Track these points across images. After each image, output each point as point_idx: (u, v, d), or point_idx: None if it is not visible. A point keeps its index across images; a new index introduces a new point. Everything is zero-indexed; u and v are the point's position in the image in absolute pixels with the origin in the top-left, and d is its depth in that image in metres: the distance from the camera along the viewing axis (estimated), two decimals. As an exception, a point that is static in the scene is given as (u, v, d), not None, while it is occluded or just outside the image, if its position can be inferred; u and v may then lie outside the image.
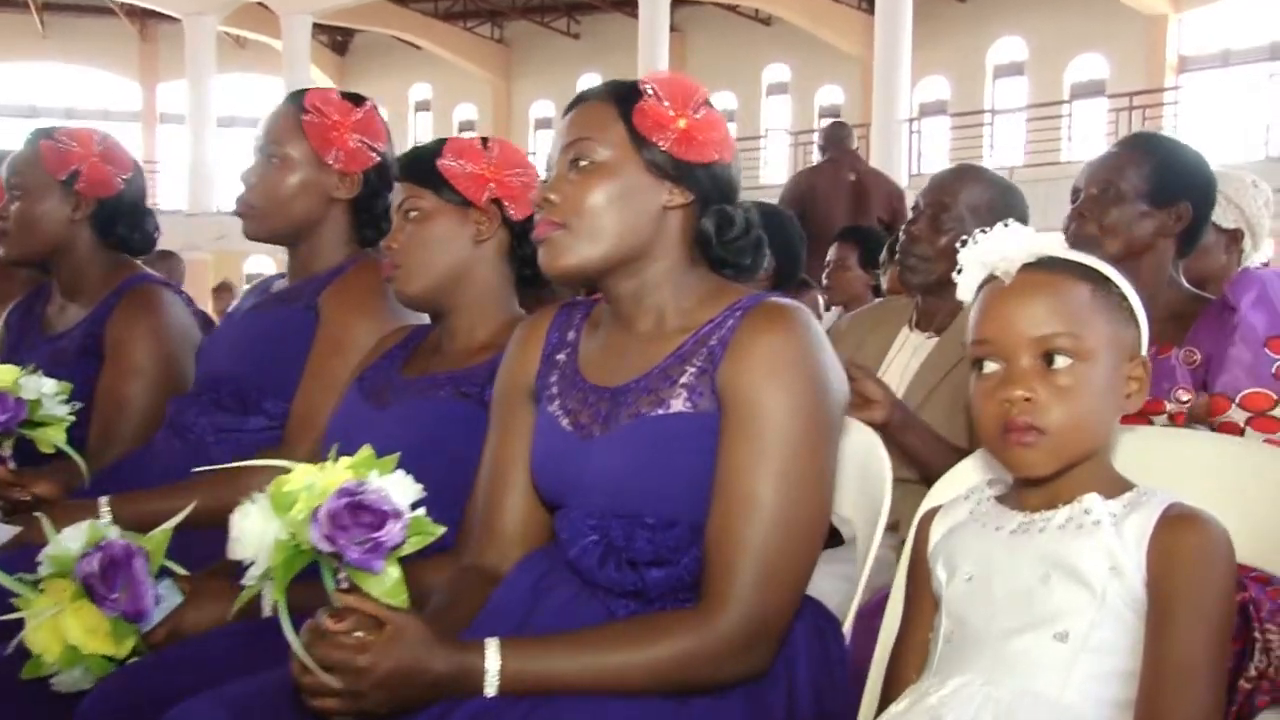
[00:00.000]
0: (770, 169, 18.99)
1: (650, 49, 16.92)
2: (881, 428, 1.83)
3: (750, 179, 17.86)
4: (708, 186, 1.32)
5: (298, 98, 1.89)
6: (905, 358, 2.12)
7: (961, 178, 2.12)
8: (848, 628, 1.32)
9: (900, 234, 2.15)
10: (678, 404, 1.26)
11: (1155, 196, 1.82)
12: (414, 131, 23.94)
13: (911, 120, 16.05)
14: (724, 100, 20.70)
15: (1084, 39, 17.03)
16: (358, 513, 1.08)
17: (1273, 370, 1.69)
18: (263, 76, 21.77)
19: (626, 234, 1.30)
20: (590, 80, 21.68)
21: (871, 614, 1.41)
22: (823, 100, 19.74)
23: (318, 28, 20.68)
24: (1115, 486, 1.10)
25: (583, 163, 1.31)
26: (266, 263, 20.34)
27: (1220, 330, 1.74)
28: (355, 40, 24.10)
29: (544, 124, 22.50)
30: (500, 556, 1.39)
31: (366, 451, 1.13)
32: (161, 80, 22.96)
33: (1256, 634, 1.13)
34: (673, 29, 19.80)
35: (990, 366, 1.11)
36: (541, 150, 21.60)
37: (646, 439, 1.26)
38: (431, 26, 21.87)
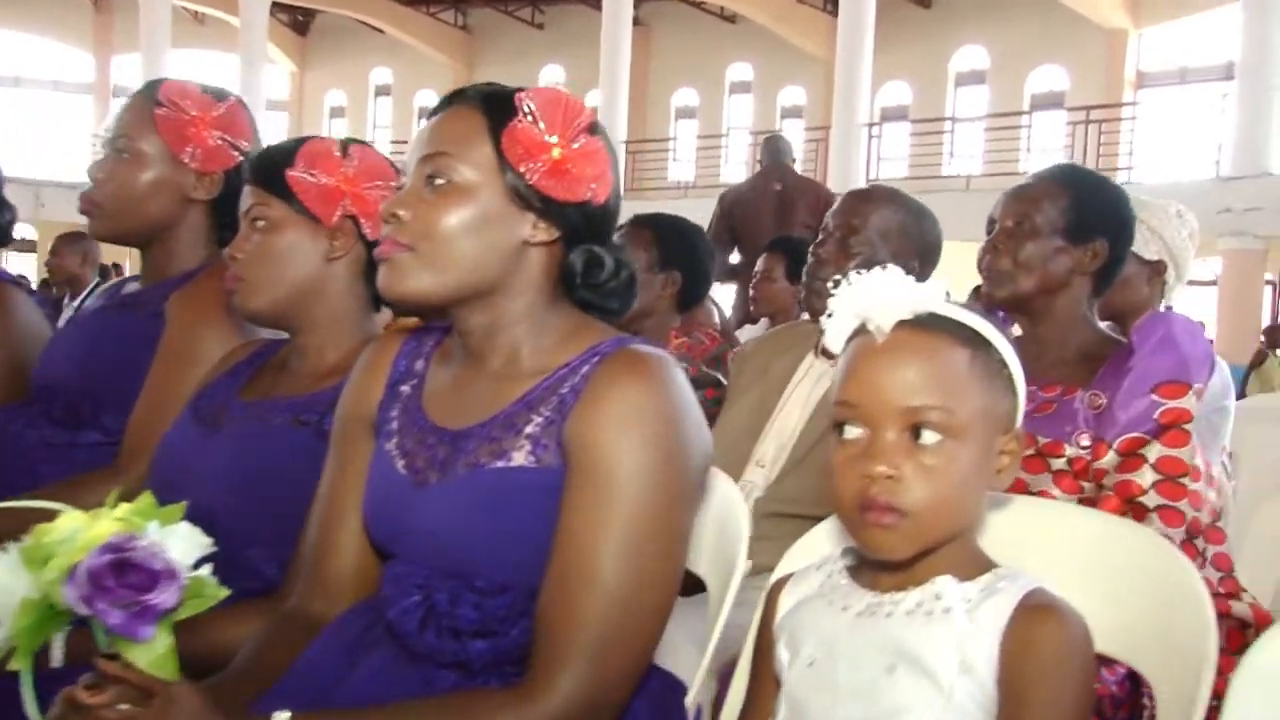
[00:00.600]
0: (731, 168, 18.89)
1: (613, 42, 16.80)
2: None
3: (711, 178, 17.77)
4: (577, 223, 1.20)
5: (152, 89, 1.74)
6: (808, 386, 2.02)
7: (872, 199, 2.01)
8: (695, 695, 1.20)
9: (809, 256, 2.05)
10: (520, 456, 1.14)
11: (1072, 232, 1.73)
12: (374, 115, 23.67)
13: (872, 125, 16.02)
14: (687, 97, 20.64)
15: (1045, 50, 17.08)
16: (124, 571, 0.95)
17: (1156, 415, 1.61)
18: (221, 54, 21.39)
19: (480, 266, 1.17)
20: (553, 72, 21.55)
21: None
22: (785, 101, 19.69)
23: (279, 6, 20.35)
24: (974, 567, 1.00)
25: (439, 181, 1.17)
26: (217, 243, 20.01)
27: (1122, 375, 1.65)
28: (316, 21, 23.75)
29: (505, 113, 22.25)
30: (328, 603, 1.26)
31: (146, 499, 1.00)
32: (116, 53, 22.52)
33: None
34: (638, 23, 19.71)
35: (853, 432, 1.00)
36: (502, 140, 21.46)
37: (483, 493, 1.14)
38: (394, 10, 21.59)
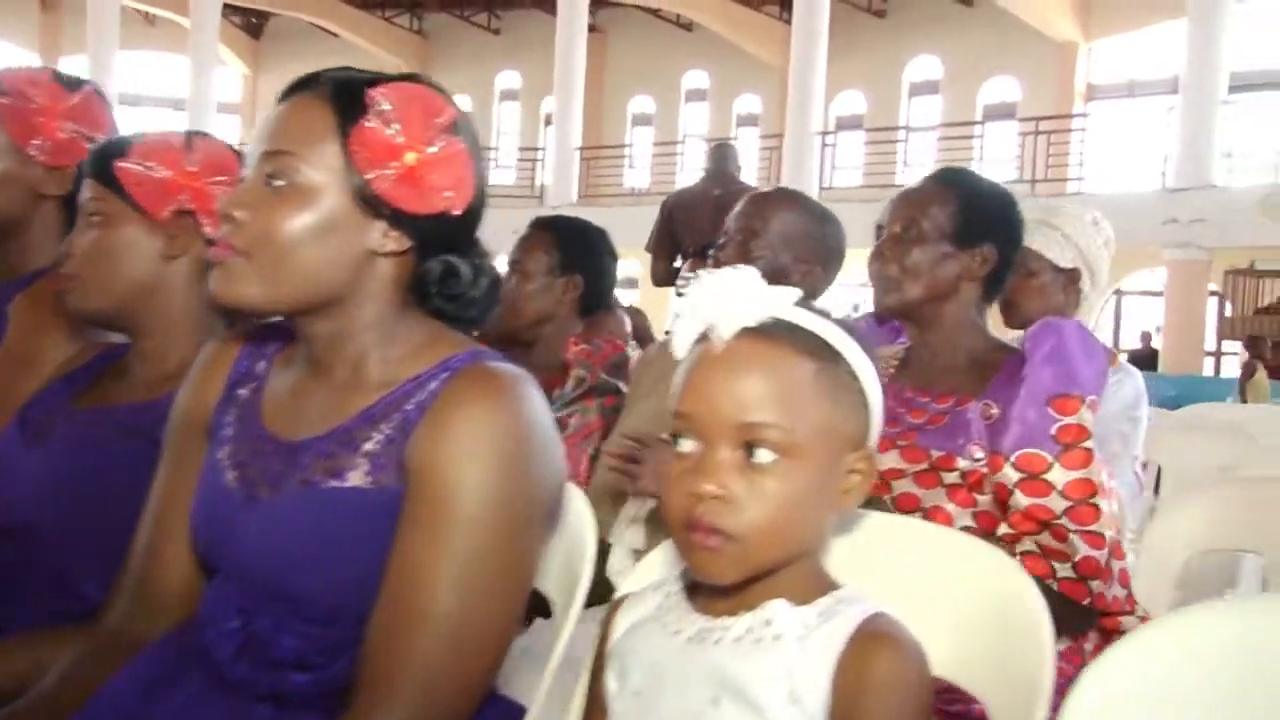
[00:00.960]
0: (687, 175, 18.83)
1: (567, 48, 16.75)
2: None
3: (666, 185, 17.69)
4: (430, 234, 1.10)
5: None
6: (705, 395, 1.95)
7: (773, 202, 1.95)
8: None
9: (708, 261, 1.98)
10: (356, 476, 1.05)
11: (959, 237, 1.67)
12: (327, 119, 23.42)
13: (825, 133, 16.07)
14: (643, 104, 20.61)
15: (997, 61, 17.22)
16: None
17: (1052, 431, 1.55)
18: (171, 55, 21.12)
19: (320, 277, 1.08)
20: (509, 78, 21.47)
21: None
22: (741, 109, 19.72)
23: (231, 8, 20.14)
24: (813, 589, 0.93)
25: (279, 182, 1.07)
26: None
27: (1015, 384, 1.59)
28: (270, 23, 23.52)
29: (460, 119, 22.11)
30: (150, 623, 1.17)
31: None
32: (64, 54, 22.14)
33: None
34: (594, 29, 19.67)
35: (687, 445, 0.93)
36: (457, 145, 21.35)
37: (314, 513, 1.05)
38: (349, 14, 21.41)
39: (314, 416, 1.11)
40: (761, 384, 0.90)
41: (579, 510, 1.19)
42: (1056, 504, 1.53)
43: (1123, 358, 2.59)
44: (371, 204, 1.08)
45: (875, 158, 17.22)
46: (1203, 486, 2.02)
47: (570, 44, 16.81)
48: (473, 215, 1.13)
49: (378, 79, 1.11)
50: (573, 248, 2.19)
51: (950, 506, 1.59)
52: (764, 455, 0.89)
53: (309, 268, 1.08)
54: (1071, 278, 2.41)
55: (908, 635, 0.88)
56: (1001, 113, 17.18)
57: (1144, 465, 2.47)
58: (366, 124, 1.08)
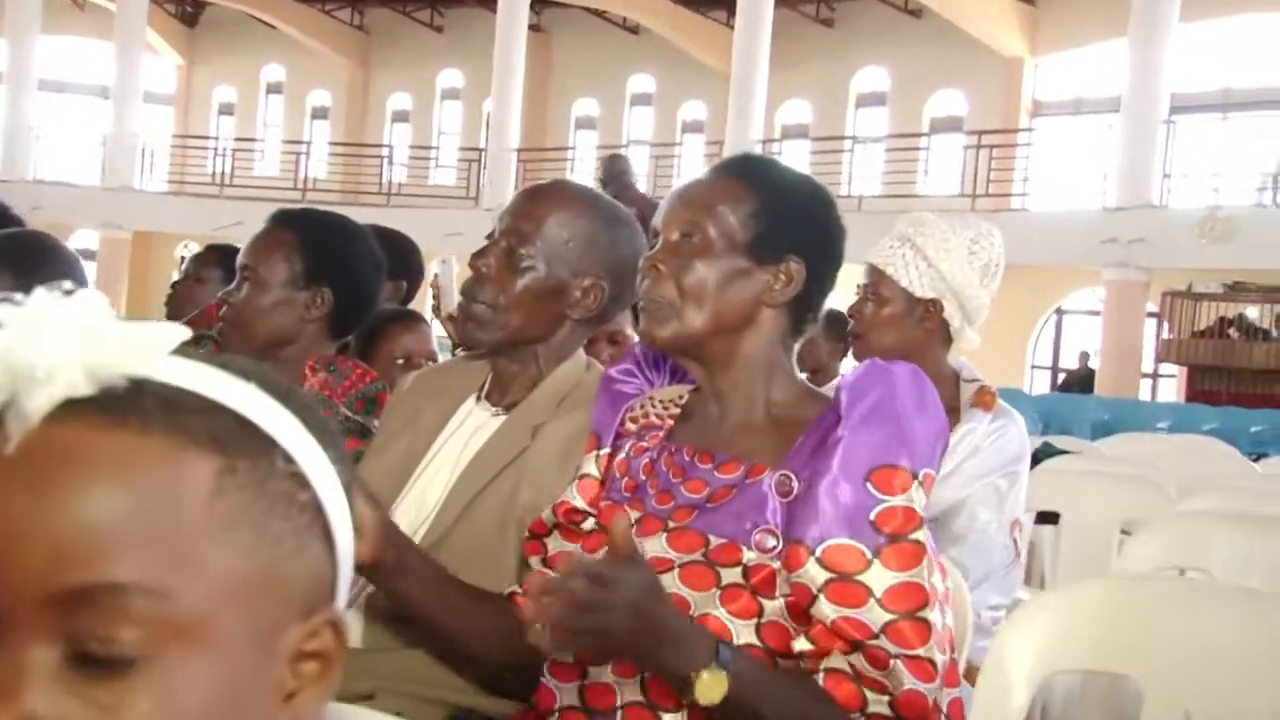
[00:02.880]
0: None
1: (506, 47, 16.35)
2: (370, 571, 1.27)
3: (609, 190, 17.28)
4: None
5: None
6: (463, 438, 1.55)
7: (550, 198, 1.54)
8: None
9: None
10: None
11: (756, 248, 1.28)
12: (264, 113, 22.83)
13: (768, 141, 15.79)
14: (587, 107, 20.22)
15: (945, 75, 17.01)
16: None
17: (872, 516, 1.15)
18: (98, 42, 20.41)
19: None
20: (451, 76, 20.98)
21: None
22: (686, 115, 19.39)
23: (165, -5, 19.53)
24: None
25: None
26: (90, 236, 19.08)
27: (826, 449, 1.20)
28: (206, 13, 22.84)
29: (401, 117, 21.64)
30: None
31: None
32: (-12, 36, 21.40)
33: None
34: (539, 30, 19.26)
35: None
36: (399, 144, 21.03)
37: None
38: (287, 6, 20.82)
39: None
40: (105, 508, 0.49)
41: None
42: (874, 617, 1.13)
43: (1026, 380, 2.19)
44: None
45: (821, 168, 16.90)
46: (1066, 585, 1.64)
47: (509, 43, 16.40)
48: None
49: None
50: (321, 253, 1.77)
51: (723, 615, 1.19)
52: (112, 652, 0.48)
53: None
54: (930, 309, 2.04)
55: None
56: (948, 126, 16.98)
57: (1019, 528, 2.09)
58: None
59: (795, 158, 17.42)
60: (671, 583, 1.21)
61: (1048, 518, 2.86)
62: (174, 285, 3.01)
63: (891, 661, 1.12)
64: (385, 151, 19.42)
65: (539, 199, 1.54)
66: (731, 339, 1.29)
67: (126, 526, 0.49)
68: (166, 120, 22.66)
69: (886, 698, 1.13)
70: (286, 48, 21.67)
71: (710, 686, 1.10)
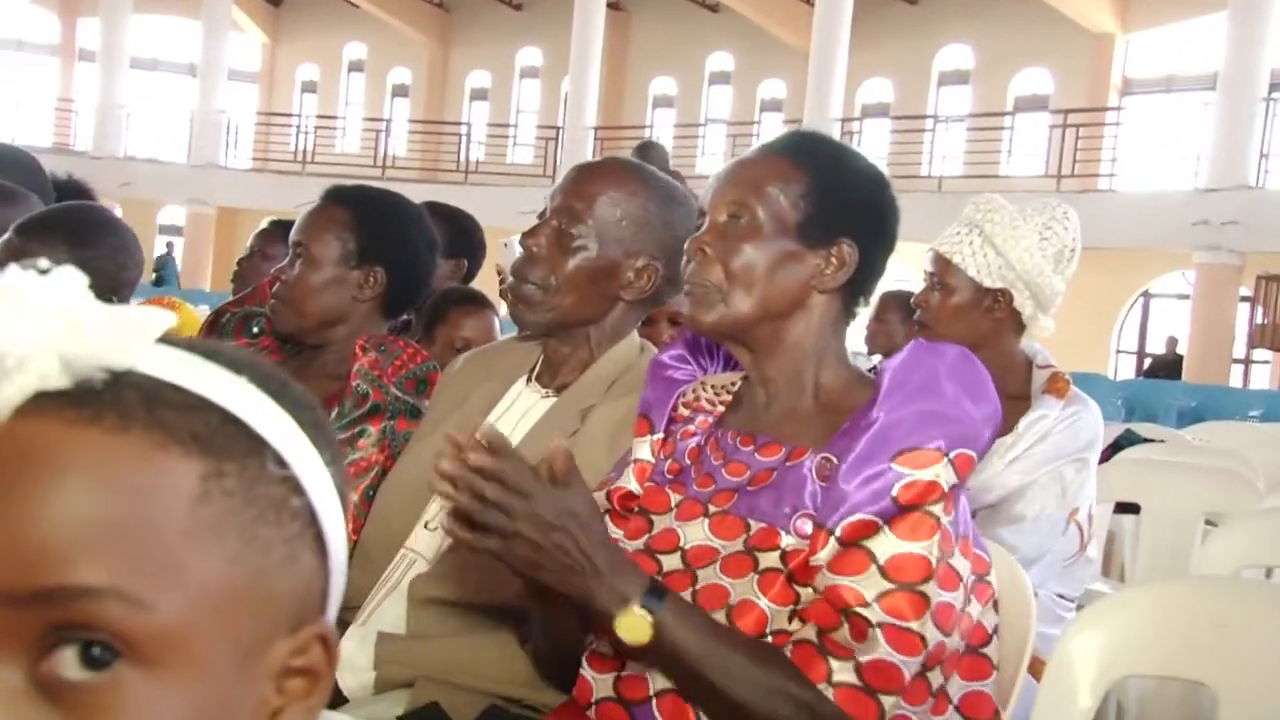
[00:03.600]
0: (708, 160, 18.37)
1: (585, 25, 16.32)
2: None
3: (687, 169, 17.18)
4: None
5: None
6: (512, 420, 1.51)
7: (603, 175, 1.50)
8: None
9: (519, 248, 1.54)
10: None
11: (807, 230, 1.22)
12: (345, 91, 23.08)
13: (847, 120, 15.57)
14: (665, 85, 20.12)
15: (1031, 52, 16.61)
16: None
17: (894, 492, 1.09)
18: (186, 20, 20.77)
19: None
20: (530, 55, 21.01)
21: None
22: (765, 93, 19.20)
23: (251, -25, 19.80)
24: None
25: None
26: (177, 212, 19.49)
27: (865, 429, 1.15)
28: (291, -8, 23.16)
29: (479, 95, 21.73)
30: None
31: None
32: (82, 15, 21.87)
33: None
34: (619, 8, 19.20)
35: None
36: (477, 122, 21.13)
37: None
38: (369, -16, 21.01)
39: None
40: (77, 509, 0.45)
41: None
42: (870, 586, 1.08)
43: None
44: None
45: (901, 147, 16.65)
46: (1139, 585, 1.56)
47: (588, 21, 16.37)
48: None
49: None
50: (375, 232, 1.74)
51: (763, 602, 1.15)
52: (83, 665, 0.44)
53: None
54: (999, 299, 1.95)
55: None
56: (1033, 105, 16.58)
57: (1090, 518, 2.01)
58: None
59: (875, 137, 17.18)
60: (713, 573, 1.17)
61: (1128, 508, 2.76)
62: (240, 261, 3.02)
63: (871, 630, 1.07)
64: (464, 129, 19.51)
65: (591, 176, 1.49)
66: (780, 324, 1.24)
67: (100, 529, 0.45)
68: (251, 98, 23.03)
69: (852, 663, 1.08)
70: (368, 26, 21.86)
71: (632, 627, 1.08)
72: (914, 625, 1.07)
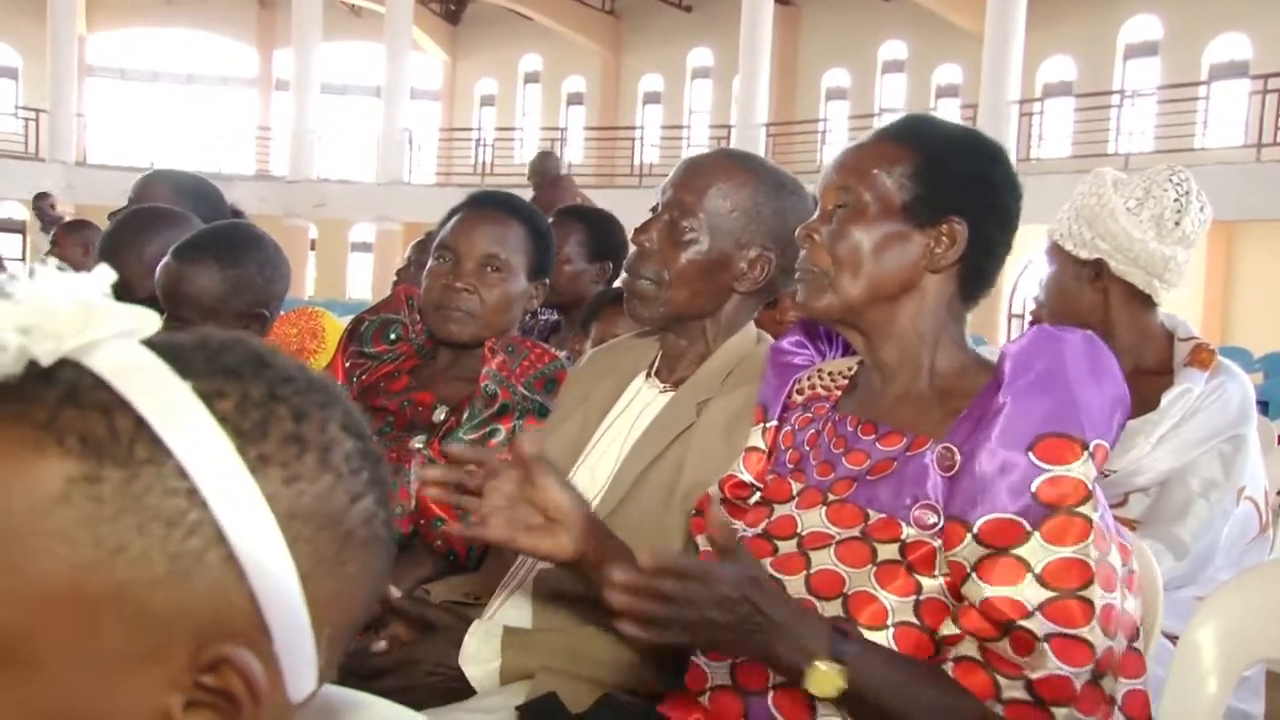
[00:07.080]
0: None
1: (753, 20, 16.27)
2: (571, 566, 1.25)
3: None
4: None
5: None
6: (632, 416, 1.55)
7: (712, 168, 1.51)
8: None
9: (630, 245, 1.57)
10: None
11: (915, 210, 1.21)
12: (523, 103, 23.65)
13: (1024, 101, 15.01)
14: (838, 78, 19.87)
15: (1226, 17, 15.65)
16: None
17: (1034, 487, 1.07)
18: (371, 44, 21.68)
19: None
20: (701, 55, 21.07)
21: None
22: (940, 79, 18.74)
23: (429, -4, 20.50)
24: None
25: None
26: (367, 230, 20.35)
27: (989, 420, 1.13)
28: (468, 10, 23.86)
29: (653, 98, 21.93)
30: None
31: None
32: (278, 46, 23.09)
33: None
34: (787, 3, 19.05)
35: None
36: (650, 125, 21.33)
37: None
38: (543, -3, 21.49)
39: None
40: None
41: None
42: (1031, 595, 1.07)
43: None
44: None
45: (1086, 125, 15.97)
46: (1261, 570, 1.48)
47: (757, 17, 16.35)
48: None
49: None
50: (548, 247, 1.82)
51: (882, 594, 1.14)
52: None
53: None
54: (1099, 271, 1.87)
55: None
56: (1231, 72, 15.63)
57: (1265, 498, 1.90)
58: None
59: (1058, 116, 16.54)
60: (828, 558, 1.18)
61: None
62: (399, 272, 3.14)
63: (1038, 644, 1.06)
64: (637, 133, 19.72)
65: (699, 170, 1.51)
66: (891, 307, 1.23)
67: None
68: (434, 115, 23.85)
69: (1022, 681, 1.07)
70: (543, 38, 22.35)
71: (824, 680, 1.07)
72: (1083, 632, 1.05)
